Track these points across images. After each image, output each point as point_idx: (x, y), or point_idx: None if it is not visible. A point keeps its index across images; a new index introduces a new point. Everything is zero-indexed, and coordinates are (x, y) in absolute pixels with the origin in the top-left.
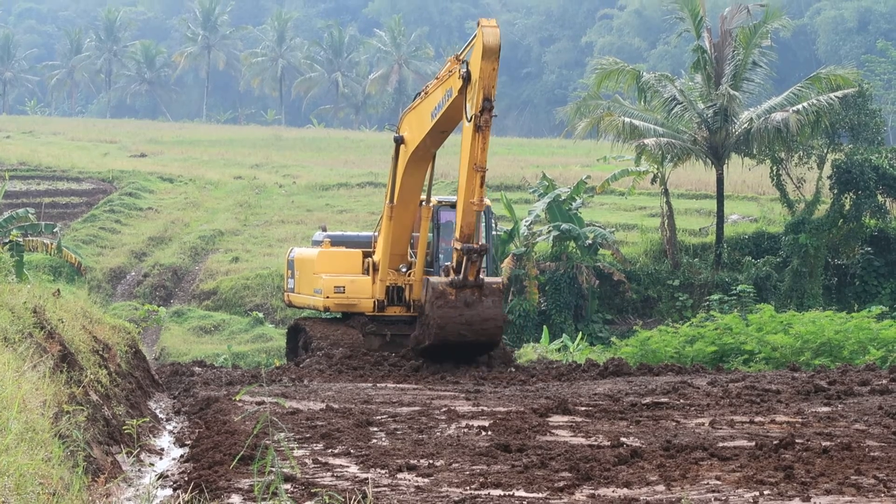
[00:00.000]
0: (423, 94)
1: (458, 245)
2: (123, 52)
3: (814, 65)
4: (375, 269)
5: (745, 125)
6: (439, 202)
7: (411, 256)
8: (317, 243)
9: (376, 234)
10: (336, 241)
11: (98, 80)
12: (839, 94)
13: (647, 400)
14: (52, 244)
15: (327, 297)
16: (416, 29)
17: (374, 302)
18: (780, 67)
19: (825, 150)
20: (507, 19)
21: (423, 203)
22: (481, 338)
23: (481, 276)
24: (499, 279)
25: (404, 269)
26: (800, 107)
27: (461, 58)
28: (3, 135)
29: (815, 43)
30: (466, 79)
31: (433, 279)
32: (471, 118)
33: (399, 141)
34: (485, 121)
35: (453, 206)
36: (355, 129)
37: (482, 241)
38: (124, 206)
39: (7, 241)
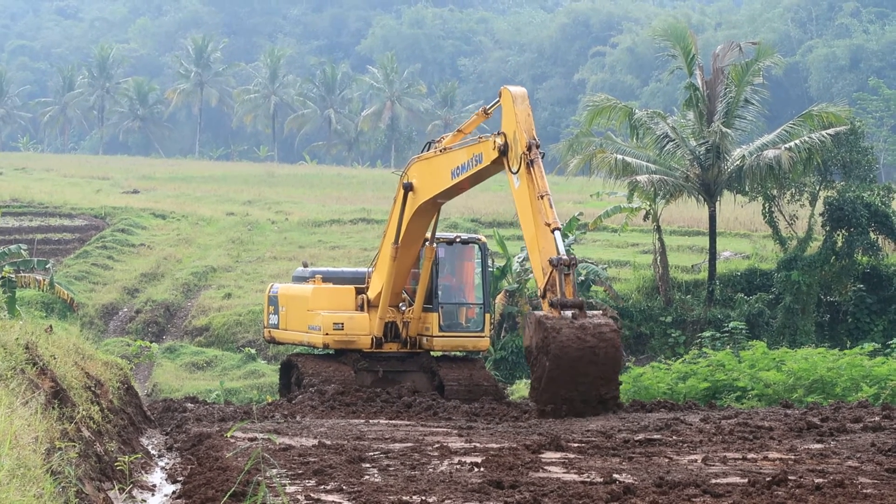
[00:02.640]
0: (437, 144)
1: (545, 265)
2: (116, 88)
3: (806, 102)
4: (370, 305)
5: (738, 162)
6: (437, 239)
7: (405, 294)
8: (298, 279)
9: (371, 269)
10: (327, 278)
11: (91, 117)
12: (831, 131)
13: (640, 436)
14: (44, 280)
15: (326, 334)
16: (408, 66)
17: (372, 338)
18: (772, 105)
19: (817, 188)
20: (499, 56)
21: (427, 243)
22: (601, 343)
23: (582, 298)
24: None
25: (403, 307)
26: (792, 144)
27: (490, 112)
28: None
29: (807, 80)
30: (504, 151)
31: (534, 311)
32: (517, 171)
33: (408, 188)
34: (534, 155)
35: (450, 243)
36: (348, 166)
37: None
38: (117, 243)
39: None
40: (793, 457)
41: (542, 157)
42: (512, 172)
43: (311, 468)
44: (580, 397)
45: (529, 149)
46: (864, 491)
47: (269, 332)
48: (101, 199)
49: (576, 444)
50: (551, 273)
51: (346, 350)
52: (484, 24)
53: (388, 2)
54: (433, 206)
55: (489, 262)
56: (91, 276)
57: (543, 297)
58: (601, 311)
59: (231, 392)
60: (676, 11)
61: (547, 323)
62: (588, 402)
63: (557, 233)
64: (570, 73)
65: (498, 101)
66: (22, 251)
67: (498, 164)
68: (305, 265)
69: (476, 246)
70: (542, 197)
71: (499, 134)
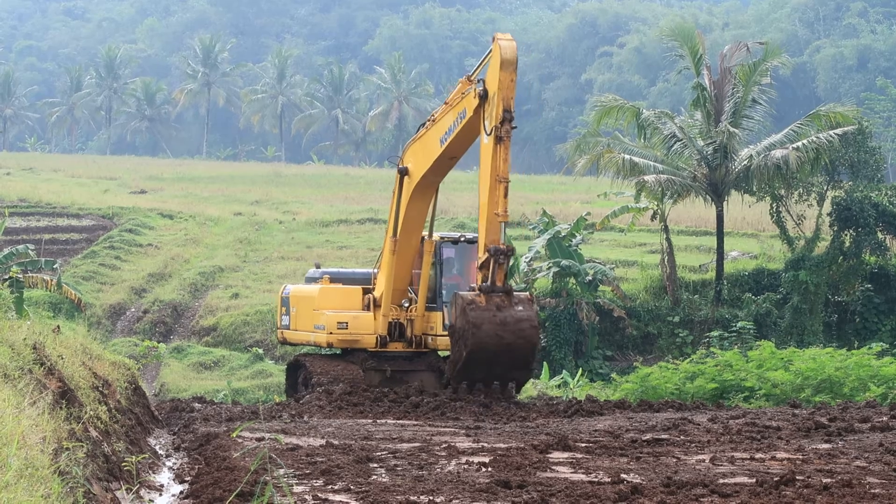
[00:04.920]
0: (429, 122)
1: (482, 254)
2: (124, 89)
3: (813, 102)
4: (376, 304)
5: (745, 162)
6: (441, 238)
7: (411, 292)
8: (310, 280)
9: (376, 270)
10: (332, 278)
11: (98, 117)
12: (839, 131)
13: (648, 436)
14: (51, 280)
15: (331, 333)
16: (416, 66)
17: (377, 338)
18: (779, 105)
19: (825, 188)
20: None
21: (426, 238)
22: (518, 340)
23: (509, 285)
24: (526, 293)
25: (406, 305)
26: (799, 144)
27: (473, 78)
28: (4, 171)
29: (814, 81)
30: (483, 96)
31: (461, 293)
32: (490, 131)
33: (403, 172)
34: (506, 131)
35: (455, 242)
36: (355, 166)
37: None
38: (124, 243)
39: (7, 277)
40: (801, 457)
41: (514, 130)
42: (486, 134)
43: (318, 468)
44: (494, 378)
45: (502, 122)
46: (872, 491)
47: (282, 332)
48: (109, 199)
49: (583, 444)
50: (488, 258)
51: (352, 349)
52: (491, 25)
53: (395, 2)
54: (429, 188)
55: None
56: (98, 277)
57: (480, 269)
58: (527, 296)
59: (238, 392)
60: (684, 11)
61: (470, 315)
62: (502, 383)
63: (503, 224)
64: (577, 73)
65: (488, 54)
66: (29, 251)
67: (479, 117)
68: (318, 266)
69: None
70: (500, 182)
71: (479, 82)
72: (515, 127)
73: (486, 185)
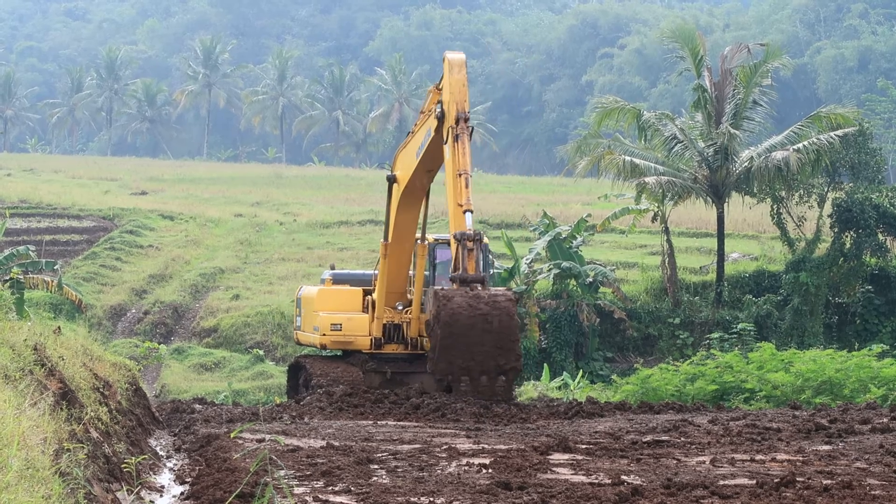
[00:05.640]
0: (411, 132)
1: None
2: (124, 90)
3: (814, 104)
4: (374, 306)
5: (746, 164)
6: (436, 240)
7: (409, 294)
8: (324, 281)
9: (376, 272)
10: (343, 279)
11: (99, 118)
12: (839, 132)
13: (648, 438)
14: (52, 281)
15: (324, 335)
16: (416, 67)
17: (372, 339)
18: (780, 106)
19: (826, 189)
20: (507, 58)
21: (419, 241)
22: (494, 311)
23: (483, 273)
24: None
25: (401, 307)
26: (800, 145)
27: (440, 87)
28: (4, 172)
29: (815, 82)
30: (440, 118)
31: (435, 287)
32: (447, 134)
33: (391, 180)
34: (461, 129)
35: (449, 243)
36: (356, 167)
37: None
38: (125, 244)
39: (8, 278)
40: (801, 458)
41: (471, 132)
42: (444, 142)
43: (319, 469)
44: (478, 367)
45: (457, 122)
46: (873, 492)
47: (296, 333)
48: (110, 200)
49: (584, 446)
50: (456, 248)
51: (351, 351)
52: (492, 26)
53: (396, 3)
54: (416, 196)
55: (490, 261)
56: (99, 278)
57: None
58: (504, 288)
59: (239, 393)
60: (684, 13)
61: (440, 293)
62: (487, 373)
63: (468, 214)
64: (578, 74)
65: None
66: (30, 252)
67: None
68: (332, 267)
69: None
70: (460, 175)
71: (439, 102)
72: (472, 126)
73: (450, 178)
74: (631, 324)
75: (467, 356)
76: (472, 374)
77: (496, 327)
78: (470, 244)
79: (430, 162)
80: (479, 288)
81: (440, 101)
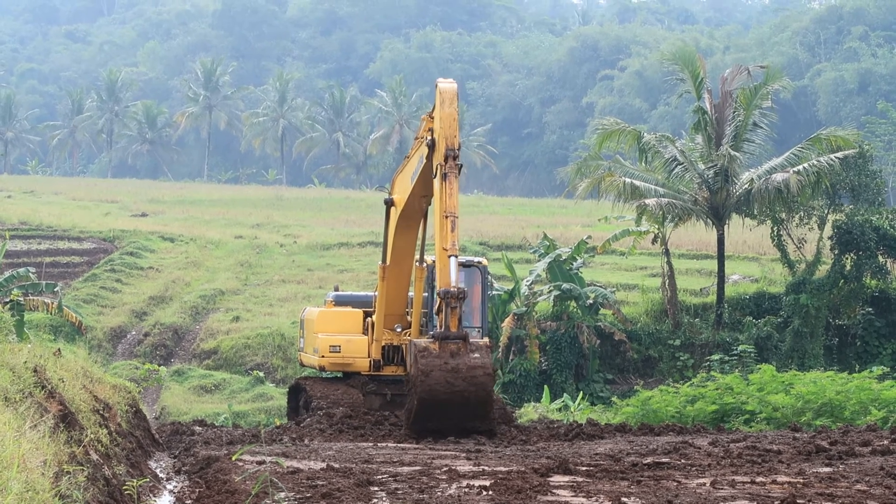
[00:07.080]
0: (407, 157)
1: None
2: (125, 112)
3: (814, 126)
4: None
5: (746, 186)
6: (434, 262)
7: (409, 316)
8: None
9: (376, 293)
10: (345, 301)
11: (99, 140)
12: (840, 155)
13: (649, 460)
14: (52, 303)
15: (322, 357)
16: (417, 89)
17: (371, 361)
18: (780, 128)
19: (826, 211)
20: (508, 80)
21: (418, 263)
22: (470, 387)
23: (465, 331)
24: (485, 339)
25: (399, 329)
26: (800, 167)
27: (433, 115)
28: (5, 194)
29: (815, 104)
30: (430, 146)
31: (416, 339)
32: (436, 170)
33: (389, 203)
34: (449, 167)
35: None
36: (356, 189)
37: (461, 286)
38: (125, 266)
39: (8, 300)
40: (801, 480)
41: (460, 169)
42: (433, 175)
43: (319, 491)
44: (452, 430)
45: (446, 160)
46: None
47: (299, 355)
48: (110, 222)
49: (584, 468)
50: (440, 303)
51: (350, 373)
52: (493, 48)
53: (396, 25)
54: (414, 219)
55: (489, 284)
56: (99, 299)
57: (436, 314)
58: (485, 343)
59: (239, 415)
60: (685, 35)
61: (420, 363)
62: (460, 434)
63: (453, 259)
64: (578, 96)
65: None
66: (30, 274)
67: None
68: (336, 289)
69: (476, 269)
70: (447, 217)
71: (430, 130)
72: (461, 164)
73: (437, 219)
74: (631, 345)
75: (440, 421)
76: (445, 434)
77: (472, 402)
78: (454, 302)
79: (424, 188)
80: (461, 346)
81: (431, 129)
